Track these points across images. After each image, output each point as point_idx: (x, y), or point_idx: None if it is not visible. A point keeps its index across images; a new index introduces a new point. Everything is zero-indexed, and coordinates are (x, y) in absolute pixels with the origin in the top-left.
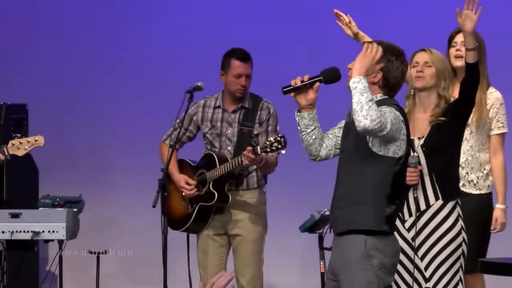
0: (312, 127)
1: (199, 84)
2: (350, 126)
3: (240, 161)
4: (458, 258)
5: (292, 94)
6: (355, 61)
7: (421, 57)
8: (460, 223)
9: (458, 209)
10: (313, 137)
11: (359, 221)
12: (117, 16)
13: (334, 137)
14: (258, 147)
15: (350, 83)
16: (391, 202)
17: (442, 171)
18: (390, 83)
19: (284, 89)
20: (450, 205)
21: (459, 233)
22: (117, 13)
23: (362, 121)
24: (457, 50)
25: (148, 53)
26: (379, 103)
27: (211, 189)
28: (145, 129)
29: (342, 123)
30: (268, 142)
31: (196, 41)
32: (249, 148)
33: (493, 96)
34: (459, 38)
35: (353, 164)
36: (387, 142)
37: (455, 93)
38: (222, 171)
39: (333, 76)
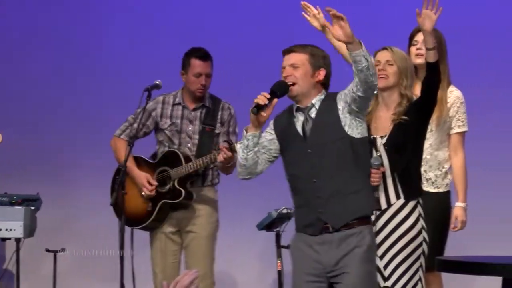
0: (257, 145)
1: (157, 82)
2: (315, 123)
3: (213, 158)
4: (418, 257)
5: (263, 113)
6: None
7: (383, 56)
8: (421, 222)
9: (419, 208)
10: (257, 154)
11: (359, 208)
12: (65, 13)
13: (267, 150)
14: (236, 144)
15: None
16: None
17: (404, 170)
18: (329, 81)
19: (254, 109)
20: (411, 204)
21: (419, 233)
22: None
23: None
24: (417, 48)
25: (112, 50)
26: (331, 99)
27: (177, 186)
28: (105, 127)
29: (268, 136)
30: None
31: (149, 39)
32: (223, 145)
33: (453, 94)
34: (420, 36)
35: (332, 157)
36: (362, 116)
37: (417, 91)
38: (190, 168)
39: (284, 89)
